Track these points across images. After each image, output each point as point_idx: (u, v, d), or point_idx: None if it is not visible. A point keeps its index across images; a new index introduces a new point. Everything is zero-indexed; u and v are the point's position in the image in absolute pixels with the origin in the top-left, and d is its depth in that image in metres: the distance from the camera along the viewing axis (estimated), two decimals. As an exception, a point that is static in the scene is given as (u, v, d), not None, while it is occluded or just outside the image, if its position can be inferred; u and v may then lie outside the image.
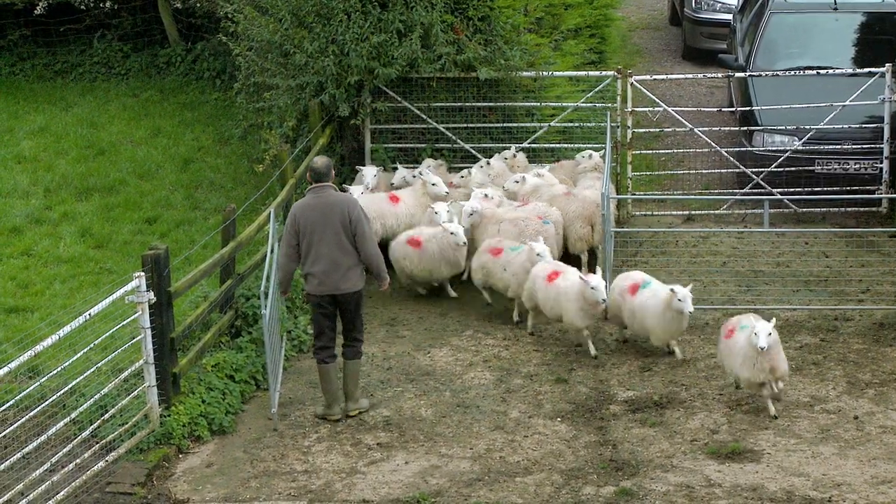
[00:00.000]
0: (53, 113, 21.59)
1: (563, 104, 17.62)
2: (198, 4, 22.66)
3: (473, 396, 13.59)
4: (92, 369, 12.26)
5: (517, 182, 16.22)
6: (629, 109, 17.28)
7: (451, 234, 15.17)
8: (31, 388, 11.91)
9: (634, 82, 17.33)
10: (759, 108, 17.60)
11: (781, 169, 17.18)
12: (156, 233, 17.40)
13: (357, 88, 16.93)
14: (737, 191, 17.42)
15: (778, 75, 17.73)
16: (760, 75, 17.81)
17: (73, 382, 12.10)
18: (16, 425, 11.50)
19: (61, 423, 11.87)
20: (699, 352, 14.27)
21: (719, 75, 19.41)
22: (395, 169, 16.90)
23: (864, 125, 17.37)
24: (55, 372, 11.98)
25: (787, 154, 17.23)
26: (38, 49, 23.80)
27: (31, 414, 11.63)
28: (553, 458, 12.47)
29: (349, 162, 17.42)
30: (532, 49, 17.51)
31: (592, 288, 13.85)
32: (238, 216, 14.73)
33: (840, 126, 17.16)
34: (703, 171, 17.99)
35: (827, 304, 15.15)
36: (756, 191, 17.17)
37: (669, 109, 17.72)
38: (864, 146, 17.29)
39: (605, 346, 14.51)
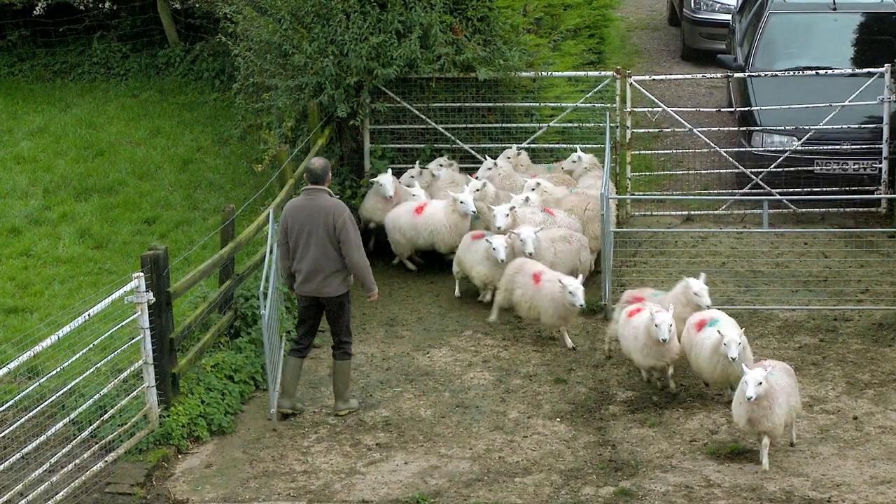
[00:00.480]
0: (52, 113, 21.58)
1: (563, 104, 17.62)
2: (197, 5, 22.65)
3: (473, 397, 13.59)
4: (91, 370, 12.26)
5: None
6: (628, 110, 17.28)
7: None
8: (31, 388, 11.90)
9: (633, 83, 17.33)
10: (758, 108, 17.59)
11: (780, 169, 17.18)
12: (155, 233, 17.39)
13: (356, 89, 16.92)
14: (736, 191, 17.41)
15: (777, 75, 17.73)
16: (759, 75, 17.81)
17: (73, 383, 12.09)
18: (15, 426, 11.50)
19: (60, 424, 11.86)
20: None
21: (718, 76, 19.41)
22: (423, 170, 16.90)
23: (863, 125, 17.36)
24: (54, 372, 11.98)
25: (786, 154, 17.23)
26: (37, 49, 23.79)
27: (31, 414, 11.62)
28: (552, 458, 12.47)
29: (348, 162, 17.42)
30: (531, 49, 17.51)
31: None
32: (237, 217, 14.73)
33: (839, 126, 17.16)
34: (703, 172, 18.00)
35: (826, 305, 15.15)
36: (755, 191, 17.17)
37: (668, 110, 17.73)
38: (864, 146, 17.29)
39: (602, 344, 14.50)
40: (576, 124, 17.72)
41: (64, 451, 11.82)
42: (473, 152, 17.33)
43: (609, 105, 17.25)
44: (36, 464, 11.58)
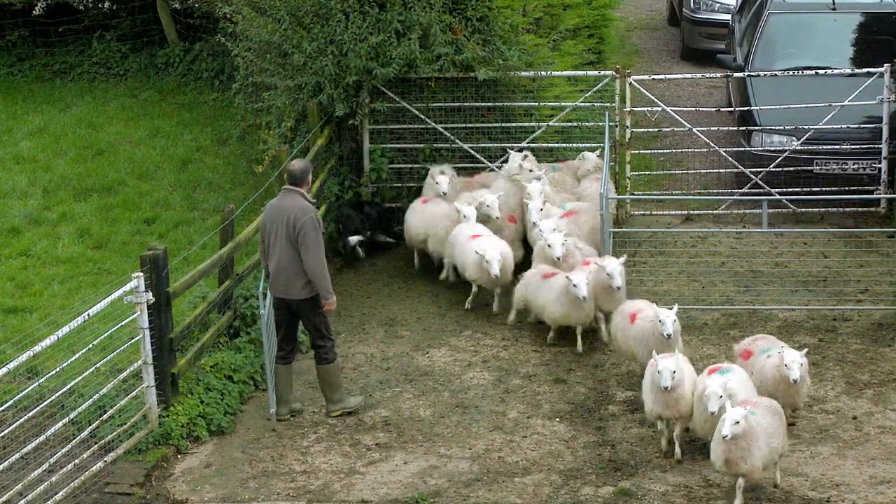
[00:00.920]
0: (52, 113, 21.58)
1: (562, 104, 17.60)
2: (196, 5, 22.65)
3: (472, 397, 13.59)
4: (91, 370, 12.26)
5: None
6: (628, 109, 17.27)
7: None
8: (30, 388, 11.91)
9: (633, 82, 17.33)
10: (757, 108, 17.59)
11: (780, 169, 17.17)
12: (154, 233, 17.39)
13: (355, 89, 16.92)
14: (735, 191, 17.41)
15: (776, 75, 17.73)
16: (759, 75, 17.81)
17: (72, 383, 12.10)
18: (14, 426, 11.50)
19: (60, 424, 11.87)
20: (697, 352, 14.25)
21: (718, 75, 19.40)
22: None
23: (862, 125, 17.36)
24: (54, 372, 11.99)
25: (785, 154, 17.22)
26: (36, 49, 23.79)
27: (30, 414, 11.62)
28: (552, 458, 12.47)
29: (347, 162, 17.42)
30: (531, 49, 17.50)
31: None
32: (237, 217, 14.73)
33: (838, 126, 17.15)
34: (702, 171, 17.99)
35: (825, 305, 15.15)
36: (755, 191, 17.16)
37: (668, 109, 17.72)
38: (863, 146, 17.28)
39: (603, 346, 14.50)
40: (575, 124, 17.72)
41: (63, 451, 11.82)
42: (473, 152, 17.32)
43: (608, 105, 17.25)
44: (35, 464, 11.58)
